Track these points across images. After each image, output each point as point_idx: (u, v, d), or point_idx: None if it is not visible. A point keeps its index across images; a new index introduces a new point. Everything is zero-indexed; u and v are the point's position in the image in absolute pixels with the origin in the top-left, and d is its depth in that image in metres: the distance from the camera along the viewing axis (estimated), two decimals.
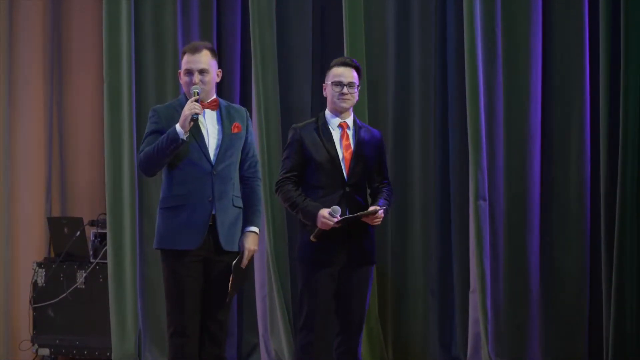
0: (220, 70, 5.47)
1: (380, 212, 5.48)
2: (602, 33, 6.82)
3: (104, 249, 8.05)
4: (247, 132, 5.47)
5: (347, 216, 5.43)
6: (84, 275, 8.06)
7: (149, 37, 7.99)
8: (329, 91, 5.61)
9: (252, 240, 5.41)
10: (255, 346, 7.85)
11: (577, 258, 7.00)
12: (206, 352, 5.36)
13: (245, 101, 7.80)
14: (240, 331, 7.91)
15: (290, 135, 5.63)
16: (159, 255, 5.42)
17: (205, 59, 5.36)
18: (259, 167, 5.57)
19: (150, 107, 5.87)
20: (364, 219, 5.49)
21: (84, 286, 8.06)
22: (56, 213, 8.66)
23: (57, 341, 8.11)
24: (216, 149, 5.36)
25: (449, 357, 7.38)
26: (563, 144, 7.08)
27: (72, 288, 8.06)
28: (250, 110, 6.52)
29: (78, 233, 8.17)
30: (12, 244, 8.51)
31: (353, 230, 5.49)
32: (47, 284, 8.16)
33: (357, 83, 5.59)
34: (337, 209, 5.40)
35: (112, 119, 7.98)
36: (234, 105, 5.58)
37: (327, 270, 5.48)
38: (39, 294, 8.17)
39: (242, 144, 5.45)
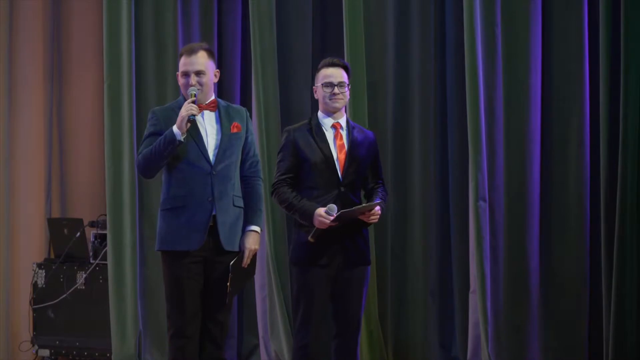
0: (218, 70, 5.47)
1: (377, 208, 5.46)
2: (602, 33, 6.79)
3: (104, 250, 8.05)
4: (247, 132, 5.47)
5: (344, 211, 5.39)
6: (84, 276, 8.06)
7: (149, 38, 8.00)
8: (319, 93, 5.59)
9: (253, 240, 5.41)
10: (255, 347, 7.85)
11: (577, 259, 6.98)
12: (206, 354, 5.35)
13: (246, 103, 7.80)
14: (240, 332, 7.91)
15: (283, 138, 5.62)
16: (159, 257, 5.42)
17: (201, 61, 5.35)
18: (260, 166, 5.57)
19: (151, 108, 5.88)
20: (360, 217, 5.46)
21: (84, 287, 8.06)
22: (56, 214, 8.66)
23: (57, 342, 8.11)
24: (215, 149, 5.36)
25: (448, 358, 7.37)
26: (563, 144, 7.06)
27: (72, 289, 8.06)
28: (250, 112, 6.51)
29: (78, 234, 8.17)
30: (12, 245, 8.51)
31: (347, 230, 5.47)
32: (47, 285, 8.16)
33: (347, 82, 5.59)
34: (334, 207, 5.38)
35: (112, 120, 7.98)
36: (233, 105, 5.58)
37: (322, 271, 5.46)
38: (39, 295, 8.17)
39: (242, 143, 5.44)
